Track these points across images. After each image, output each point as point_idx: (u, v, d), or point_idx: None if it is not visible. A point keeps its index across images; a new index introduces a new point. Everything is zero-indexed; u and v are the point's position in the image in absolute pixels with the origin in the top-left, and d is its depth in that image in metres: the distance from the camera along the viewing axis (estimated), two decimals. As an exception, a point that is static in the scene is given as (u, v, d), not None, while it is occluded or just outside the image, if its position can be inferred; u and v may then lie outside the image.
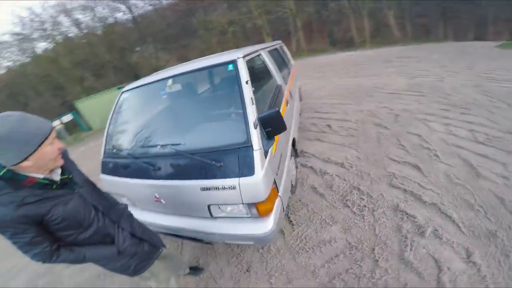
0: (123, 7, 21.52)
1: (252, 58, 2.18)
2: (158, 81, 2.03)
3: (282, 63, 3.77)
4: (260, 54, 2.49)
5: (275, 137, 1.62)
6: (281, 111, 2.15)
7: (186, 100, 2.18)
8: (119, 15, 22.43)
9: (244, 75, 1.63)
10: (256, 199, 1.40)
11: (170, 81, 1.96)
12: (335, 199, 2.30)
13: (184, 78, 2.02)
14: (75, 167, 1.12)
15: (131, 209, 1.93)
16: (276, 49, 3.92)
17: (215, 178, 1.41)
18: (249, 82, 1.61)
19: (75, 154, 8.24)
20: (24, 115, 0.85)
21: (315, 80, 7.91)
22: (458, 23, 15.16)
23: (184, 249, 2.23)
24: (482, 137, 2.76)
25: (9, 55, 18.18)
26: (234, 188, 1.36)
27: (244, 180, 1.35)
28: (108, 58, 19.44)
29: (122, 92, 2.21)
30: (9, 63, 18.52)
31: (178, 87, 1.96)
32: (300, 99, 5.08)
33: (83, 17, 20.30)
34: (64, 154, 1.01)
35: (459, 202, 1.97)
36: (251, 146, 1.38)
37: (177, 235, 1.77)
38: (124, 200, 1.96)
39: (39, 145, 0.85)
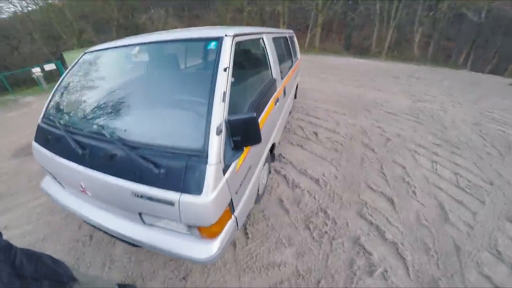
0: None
1: (248, 41, 1.80)
2: (125, 46, 1.67)
3: (286, 55, 3.43)
4: (262, 38, 2.12)
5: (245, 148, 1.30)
6: (265, 112, 1.84)
7: (149, 77, 1.83)
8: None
9: (226, 59, 1.26)
10: (199, 223, 1.12)
11: (136, 49, 1.60)
12: (298, 218, 2.19)
13: (156, 49, 1.69)
14: None
15: (59, 190, 1.58)
16: (285, 37, 3.54)
17: (151, 185, 1.10)
18: (229, 70, 1.24)
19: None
20: None
21: (317, 81, 7.66)
22: (481, 53, 14.79)
23: (118, 242, 1.98)
24: (464, 182, 2.66)
25: (19, 1, 17.28)
26: (172, 204, 1.07)
27: (186, 198, 1.05)
28: (115, 15, 18.55)
29: (85, 53, 1.90)
30: (15, 8, 17.64)
31: (144, 57, 1.64)
32: (295, 97, 4.77)
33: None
34: None
35: (418, 244, 1.91)
36: (207, 157, 1.07)
37: (106, 232, 1.48)
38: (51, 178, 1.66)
39: None
